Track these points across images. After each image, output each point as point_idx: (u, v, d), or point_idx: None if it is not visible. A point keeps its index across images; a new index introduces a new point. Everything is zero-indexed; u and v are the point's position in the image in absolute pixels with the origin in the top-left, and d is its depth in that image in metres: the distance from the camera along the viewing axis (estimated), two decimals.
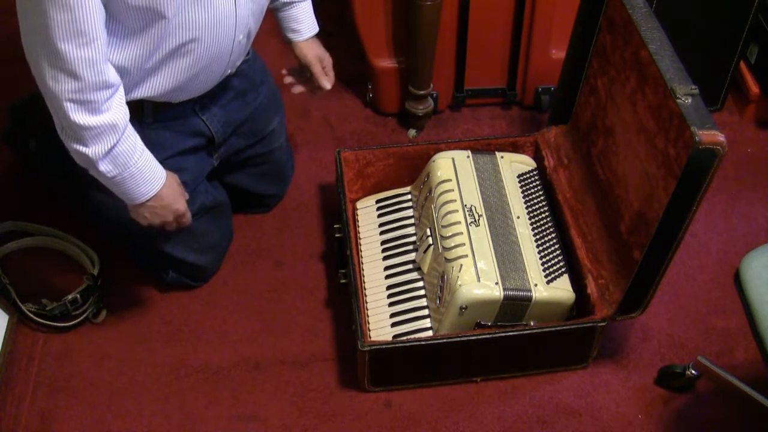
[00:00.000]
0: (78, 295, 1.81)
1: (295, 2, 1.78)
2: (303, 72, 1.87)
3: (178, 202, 1.63)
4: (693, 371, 1.68)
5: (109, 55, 1.44)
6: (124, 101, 1.47)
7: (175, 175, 1.64)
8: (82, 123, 1.41)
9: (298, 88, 1.88)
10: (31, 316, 1.80)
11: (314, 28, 1.84)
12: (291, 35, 1.83)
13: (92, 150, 1.45)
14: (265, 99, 1.87)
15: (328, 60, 1.85)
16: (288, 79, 1.88)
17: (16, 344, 1.81)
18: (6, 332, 1.78)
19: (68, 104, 1.39)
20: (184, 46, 1.50)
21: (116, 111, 1.44)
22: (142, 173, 1.53)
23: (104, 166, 1.48)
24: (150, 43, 1.46)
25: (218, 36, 1.53)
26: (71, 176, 1.81)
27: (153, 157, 1.56)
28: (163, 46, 1.48)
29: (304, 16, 1.81)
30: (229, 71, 1.68)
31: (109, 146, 1.46)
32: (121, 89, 1.47)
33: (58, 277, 1.92)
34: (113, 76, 1.43)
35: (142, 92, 1.56)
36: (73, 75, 1.36)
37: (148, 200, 1.57)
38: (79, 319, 1.83)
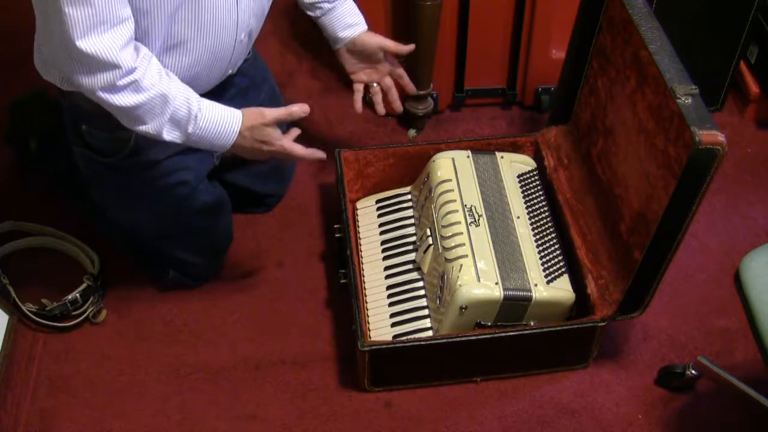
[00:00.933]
0: (78, 295, 1.81)
1: None
2: (370, 79, 1.83)
3: (263, 132, 1.54)
4: (693, 371, 1.68)
5: None
6: (162, 69, 1.45)
7: (251, 109, 1.55)
8: (127, 105, 1.41)
9: (394, 99, 1.84)
10: (31, 316, 1.80)
11: (365, 22, 1.79)
12: (348, 32, 1.76)
13: (152, 126, 1.45)
14: (266, 98, 1.87)
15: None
16: (377, 98, 1.85)
17: (16, 344, 1.81)
18: (6, 332, 1.78)
19: (105, 94, 1.39)
20: (184, 45, 1.50)
21: (157, 82, 1.42)
22: (212, 124, 1.49)
23: (170, 135, 1.47)
24: (148, 41, 1.46)
25: (219, 35, 1.53)
26: (71, 176, 1.82)
27: (213, 103, 1.51)
28: (163, 44, 1.48)
29: (355, 9, 1.77)
30: (231, 71, 1.68)
31: (168, 116, 1.45)
32: (154, 60, 1.44)
33: (58, 277, 1.92)
34: (141, 52, 1.41)
35: None
36: (100, 67, 1.35)
37: (236, 141, 1.53)
38: (79, 319, 1.83)
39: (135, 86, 1.40)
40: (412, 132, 2.27)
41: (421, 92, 2.17)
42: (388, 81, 1.85)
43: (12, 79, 2.16)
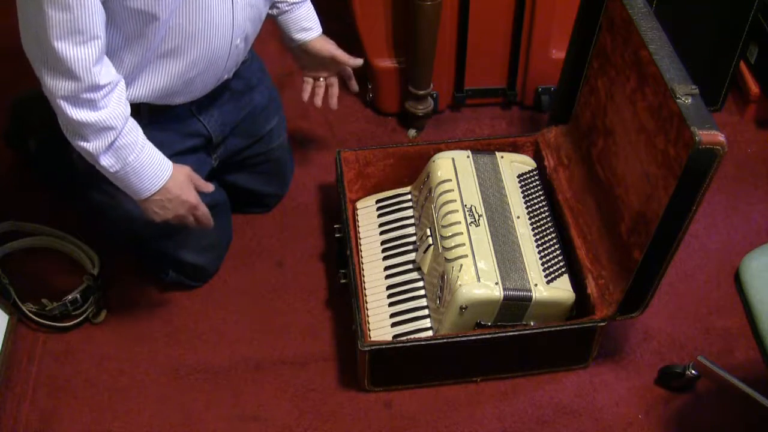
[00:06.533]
0: (78, 295, 1.81)
1: (301, 1, 1.79)
2: (318, 75, 1.91)
3: (186, 194, 1.59)
4: (693, 371, 1.69)
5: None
6: (124, 97, 1.47)
7: (186, 168, 1.61)
8: (80, 119, 1.41)
9: (332, 95, 1.93)
10: (31, 316, 1.80)
11: (320, 26, 1.85)
12: (302, 35, 1.82)
13: (93, 145, 1.45)
14: (263, 99, 1.87)
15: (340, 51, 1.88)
16: (312, 95, 1.94)
17: (16, 344, 1.81)
18: (6, 332, 1.78)
19: (64, 102, 1.39)
20: (178, 50, 1.50)
21: (115, 107, 1.44)
22: (144, 168, 1.52)
23: (106, 161, 1.48)
24: (144, 46, 1.46)
25: (214, 41, 1.53)
26: (71, 176, 1.81)
27: (157, 151, 1.55)
28: (158, 49, 1.48)
29: (311, 14, 1.82)
30: (227, 76, 1.67)
31: (110, 141, 1.46)
32: (122, 85, 1.46)
33: (58, 277, 1.92)
34: (111, 75, 1.42)
35: (137, 95, 1.56)
36: (70, 74, 1.36)
37: (153, 194, 1.56)
38: (79, 319, 1.83)
39: (94, 104, 1.41)
40: (412, 132, 2.27)
41: (421, 92, 2.17)
42: (333, 79, 1.94)
43: (12, 77, 2.16)
